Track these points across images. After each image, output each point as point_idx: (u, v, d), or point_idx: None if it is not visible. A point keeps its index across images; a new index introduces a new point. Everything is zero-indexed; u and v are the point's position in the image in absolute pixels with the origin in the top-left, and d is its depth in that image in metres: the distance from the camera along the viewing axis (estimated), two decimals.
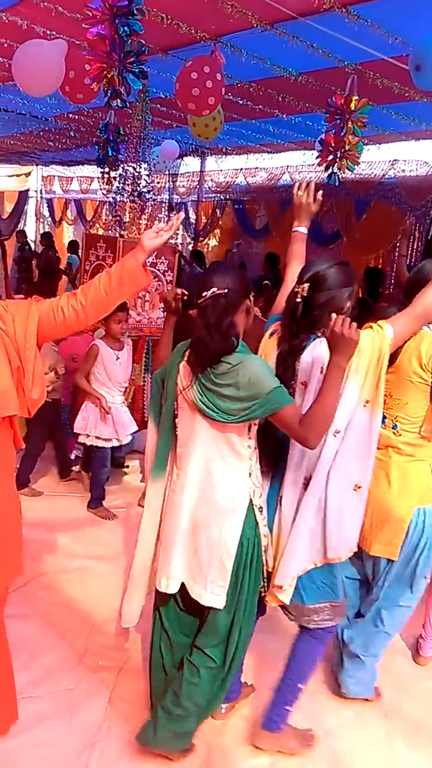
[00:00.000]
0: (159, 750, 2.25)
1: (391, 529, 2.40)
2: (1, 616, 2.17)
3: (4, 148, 11.58)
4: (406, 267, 4.89)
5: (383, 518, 2.40)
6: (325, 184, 4.81)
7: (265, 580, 2.20)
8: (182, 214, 2.29)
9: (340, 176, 5.02)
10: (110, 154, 5.83)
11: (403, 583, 2.48)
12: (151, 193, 5.61)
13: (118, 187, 5.52)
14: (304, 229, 2.59)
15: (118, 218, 5.51)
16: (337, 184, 4.97)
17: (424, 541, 2.40)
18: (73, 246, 11.44)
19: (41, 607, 3.11)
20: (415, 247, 7.97)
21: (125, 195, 5.43)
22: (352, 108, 4.67)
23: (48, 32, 4.58)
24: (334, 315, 1.87)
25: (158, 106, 6.29)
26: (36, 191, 14.77)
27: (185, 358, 2.06)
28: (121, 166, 5.61)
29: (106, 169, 5.86)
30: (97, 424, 4.12)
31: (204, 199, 11.05)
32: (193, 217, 11.12)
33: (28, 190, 14.80)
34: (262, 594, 2.21)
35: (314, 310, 2.07)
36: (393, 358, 2.22)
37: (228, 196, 10.59)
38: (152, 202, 5.74)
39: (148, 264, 2.04)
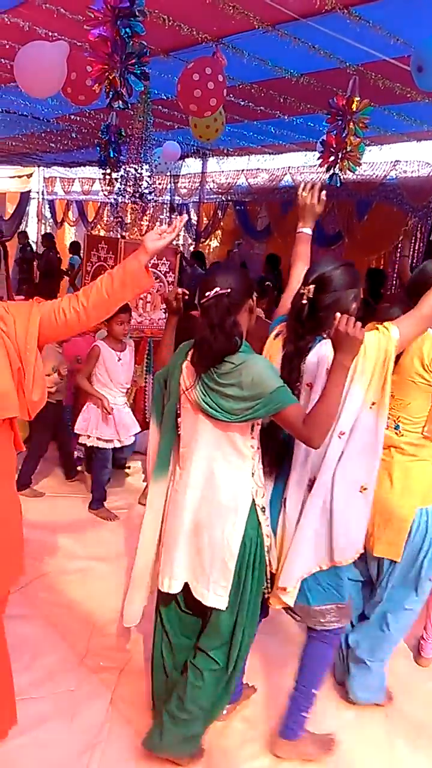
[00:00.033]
0: (166, 755, 2.23)
1: (394, 530, 2.40)
2: (1, 619, 2.16)
3: (6, 149, 11.59)
4: (409, 267, 4.89)
5: (386, 518, 2.40)
6: (327, 185, 4.81)
7: (269, 581, 2.19)
8: (185, 216, 2.30)
9: (341, 177, 5.02)
10: (112, 155, 5.84)
11: (408, 585, 2.46)
12: (153, 194, 5.62)
13: (119, 188, 5.53)
14: (308, 230, 2.58)
15: (120, 219, 5.52)
16: (338, 185, 4.97)
17: (427, 542, 2.40)
18: (74, 247, 11.45)
19: (42, 607, 3.11)
20: (416, 247, 7.97)
21: (127, 196, 5.43)
22: (354, 109, 4.67)
23: (50, 34, 4.59)
24: (338, 314, 1.87)
25: (160, 107, 6.30)
26: (38, 192, 14.78)
27: (188, 358, 2.06)
28: (123, 167, 5.61)
29: (108, 171, 5.86)
30: (98, 425, 4.12)
31: (205, 201, 11.06)
32: (194, 218, 11.13)
33: (29, 191, 14.82)
34: (266, 595, 2.21)
35: (320, 312, 2.06)
36: (396, 359, 2.22)
37: (229, 197, 10.59)
38: (154, 204, 5.74)
39: (150, 265, 2.03)
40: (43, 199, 14.82)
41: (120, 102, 3.53)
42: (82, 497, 4.43)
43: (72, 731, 2.38)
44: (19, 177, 14.86)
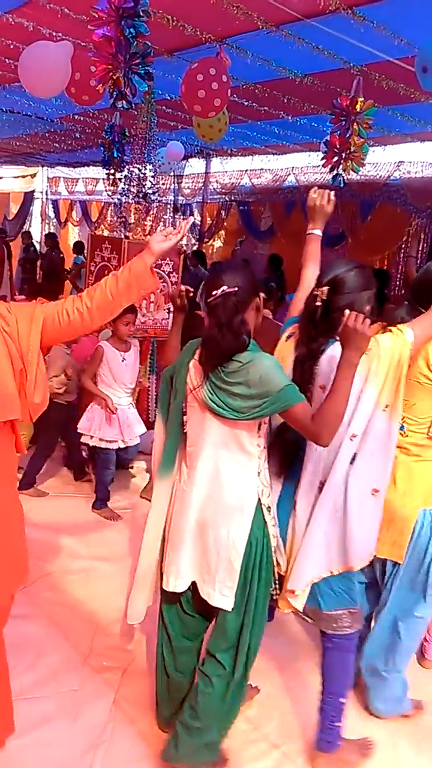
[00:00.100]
0: (183, 765, 2.18)
1: (396, 530, 2.39)
2: (3, 626, 2.15)
3: (10, 149, 11.60)
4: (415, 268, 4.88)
5: (389, 519, 2.38)
6: (330, 185, 4.81)
7: (277, 582, 2.18)
8: (192, 219, 2.29)
9: (345, 178, 5.02)
10: (115, 155, 5.84)
11: (417, 592, 2.43)
12: (156, 194, 5.62)
13: (123, 188, 5.54)
14: (318, 232, 2.57)
15: (124, 219, 5.53)
16: (342, 185, 4.96)
17: None
18: (78, 247, 11.46)
19: (46, 607, 3.11)
20: (420, 248, 7.96)
21: (130, 196, 5.44)
22: (358, 109, 4.67)
23: (54, 34, 4.59)
24: (347, 311, 1.87)
25: (163, 107, 6.30)
26: (41, 192, 14.81)
27: (195, 357, 2.05)
28: (127, 167, 5.62)
29: (112, 171, 5.87)
30: (102, 425, 4.13)
31: (209, 201, 11.06)
32: (198, 218, 11.13)
33: (33, 191, 14.85)
34: (274, 597, 2.19)
35: (334, 314, 2.05)
36: None
37: (233, 198, 10.59)
38: (157, 204, 5.75)
39: (154, 265, 2.02)
40: (46, 199, 14.85)
41: (124, 102, 3.53)
42: (85, 497, 4.43)
43: (75, 731, 2.38)
44: (23, 177, 14.88)
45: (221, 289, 1.94)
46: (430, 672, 2.96)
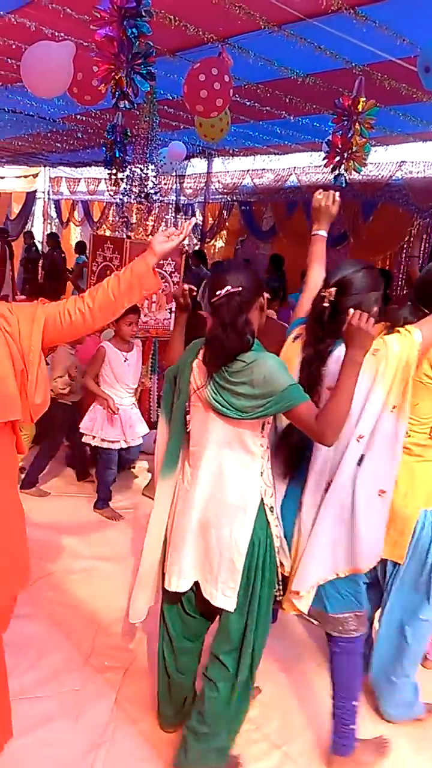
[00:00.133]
0: None
1: (397, 530, 2.38)
2: (5, 629, 2.13)
3: (12, 149, 11.62)
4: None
5: (390, 519, 2.37)
6: (332, 185, 4.81)
7: (280, 583, 2.16)
8: (194, 220, 2.29)
9: (347, 178, 5.02)
10: (117, 155, 5.85)
11: (421, 594, 2.42)
12: (158, 194, 5.63)
13: (125, 188, 5.54)
14: (324, 233, 2.57)
15: (126, 219, 5.54)
16: (344, 185, 4.97)
17: None
18: (80, 247, 11.47)
19: (47, 607, 3.12)
20: (422, 248, 7.96)
21: (132, 196, 5.44)
22: (360, 109, 4.67)
23: (56, 34, 4.60)
24: (351, 310, 1.87)
25: (165, 107, 6.30)
26: (43, 192, 14.82)
27: (199, 357, 2.05)
28: (129, 167, 5.63)
29: (114, 171, 5.88)
30: (104, 426, 4.13)
31: (211, 201, 11.06)
32: (200, 218, 11.13)
33: (35, 191, 14.86)
34: (278, 598, 2.17)
35: (341, 315, 2.03)
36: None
37: (235, 198, 10.60)
38: (159, 204, 5.75)
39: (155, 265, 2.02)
40: (48, 198, 14.86)
41: (126, 102, 3.54)
42: (87, 497, 4.43)
43: (76, 731, 2.38)
44: (25, 177, 14.90)
45: (225, 289, 1.93)
46: (431, 672, 2.96)
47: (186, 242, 10.86)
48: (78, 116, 7.69)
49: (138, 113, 5.32)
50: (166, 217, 10.40)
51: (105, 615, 3.10)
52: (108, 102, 3.83)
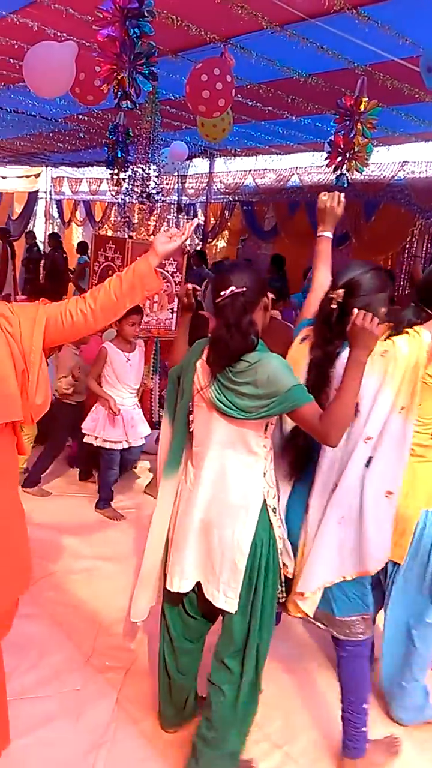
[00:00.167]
0: None
1: (398, 530, 2.37)
2: (6, 633, 2.12)
3: (15, 149, 11.64)
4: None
5: None
6: (334, 185, 4.81)
7: (283, 585, 2.15)
8: (196, 220, 2.29)
9: (349, 178, 5.02)
10: (119, 155, 5.85)
11: (425, 597, 2.41)
12: (160, 194, 5.62)
13: (127, 188, 5.54)
14: (329, 234, 2.56)
15: (127, 219, 5.53)
16: (345, 185, 4.97)
17: None
18: (82, 247, 11.48)
19: (49, 607, 3.12)
20: (424, 248, 7.96)
21: (134, 196, 5.44)
22: (362, 109, 4.67)
23: (58, 34, 4.61)
24: (356, 310, 1.86)
25: (167, 107, 6.30)
26: (45, 192, 14.84)
27: (203, 357, 2.05)
28: (130, 167, 5.62)
29: (116, 171, 5.87)
30: (106, 426, 4.13)
31: (213, 201, 11.07)
32: (201, 218, 11.14)
33: (37, 191, 14.88)
34: (281, 600, 2.16)
35: (349, 316, 2.05)
36: None
37: (237, 198, 10.60)
38: (161, 204, 5.74)
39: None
40: (50, 198, 14.88)
41: (128, 102, 3.54)
42: (89, 497, 4.43)
43: (77, 731, 2.38)
44: (27, 177, 14.92)
45: (229, 289, 1.93)
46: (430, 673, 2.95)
47: (188, 242, 10.90)
48: (80, 116, 7.70)
49: (140, 113, 5.32)
50: (168, 217, 10.41)
51: (106, 615, 3.10)
52: (110, 102, 3.83)
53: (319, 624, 2.24)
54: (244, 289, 1.93)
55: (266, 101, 6.05)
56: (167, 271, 5.08)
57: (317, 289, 2.39)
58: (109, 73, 3.44)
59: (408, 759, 2.43)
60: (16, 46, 4.99)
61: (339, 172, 4.96)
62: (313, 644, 3.03)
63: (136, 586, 2.30)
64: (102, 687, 2.62)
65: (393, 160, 8.18)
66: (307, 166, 9.28)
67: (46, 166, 14.29)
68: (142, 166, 5.45)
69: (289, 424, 2.14)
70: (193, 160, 10.32)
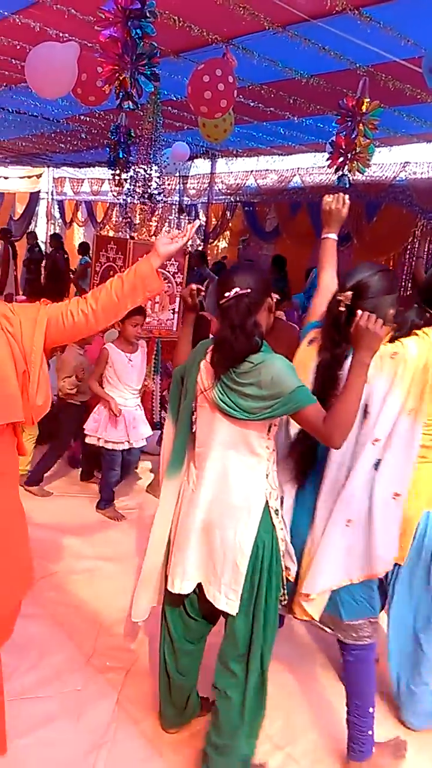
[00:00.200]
0: None
1: (399, 531, 2.38)
2: (9, 636, 2.12)
3: (16, 149, 11.64)
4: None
5: None
6: (336, 186, 4.81)
7: (285, 587, 2.13)
8: (198, 222, 2.29)
9: (350, 178, 5.02)
10: (121, 156, 5.84)
11: (430, 599, 2.41)
12: (162, 195, 5.63)
13: (128, 188, 5.54)
14: (334, 235, 2.56)
15: (129, 220, 5.53)
16: (347, 186, 4.97)
17: None
18: (83, 247, 11.48)
19: (50, 607, 3.12)
20: (426, 249, 7.96)
21: (136, 197, 5.44)
22: (364, 110, 4.67)
23: (60, 34, 4.61)
24: (359, 311, 1.86)
25: (169, 108, 6.31)
26: (47, 193, 14.85)
27: (206, 358, 2.05)
28: (132, 168, 5.62)
29: (117, 171, 5.87)
30: (107, 427, 4.12)
31: (214, 201, 11.07)
32: (203, 219, 11.14)
33: (39, 191, 14.89)
34: (283, 603, 2.15)
35: None
36: None
37: (238, 198, 10.60)
38: (162, 204, 5.75)
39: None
40: (52, 199, 14.89)
41: (130, 103, 3.54)
42: (90, 497, 4.43)
43: (78, 731, 2.38)
44: (29, 177, 14.93)
45: (234, 290, 1.93)
46: None
47: (189, 243, 10.90)
48: (82, 117, 7.71)
49: (142, 114, 5.32)
50: (170, 217, 10.40)
51: (107, 615, 3.10)
52: (112, 103, 3.84)
53: (325, 628, 2.22)
54: (249, 290, 1.93)
55: (268, 102, 6.05)
56: (169, 272, 5.08)
57: (323, 291, 2.38)
58: (111, 74, 3.45)
59: (408, 758, 2.42)
60: (18, 47, 5.00)
61: (341, 172, 4.97)
62: (315, 645, 3.03)
63: (137, 587, 2.30)
64: (103, 687, 2.62)
65: (395, 161, 8.17)
66: (308, 166, 9.28)
67: (48, 167, 14.30)
68: (143, 166, 5.45)
69: (296, 427, 2.14)
70: (195, 160, 10.31)
